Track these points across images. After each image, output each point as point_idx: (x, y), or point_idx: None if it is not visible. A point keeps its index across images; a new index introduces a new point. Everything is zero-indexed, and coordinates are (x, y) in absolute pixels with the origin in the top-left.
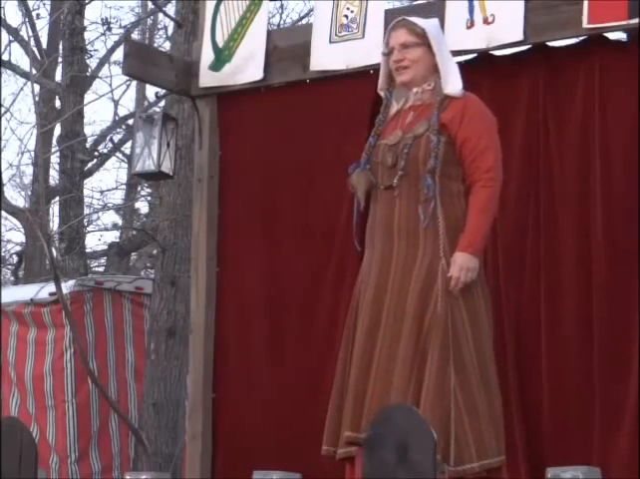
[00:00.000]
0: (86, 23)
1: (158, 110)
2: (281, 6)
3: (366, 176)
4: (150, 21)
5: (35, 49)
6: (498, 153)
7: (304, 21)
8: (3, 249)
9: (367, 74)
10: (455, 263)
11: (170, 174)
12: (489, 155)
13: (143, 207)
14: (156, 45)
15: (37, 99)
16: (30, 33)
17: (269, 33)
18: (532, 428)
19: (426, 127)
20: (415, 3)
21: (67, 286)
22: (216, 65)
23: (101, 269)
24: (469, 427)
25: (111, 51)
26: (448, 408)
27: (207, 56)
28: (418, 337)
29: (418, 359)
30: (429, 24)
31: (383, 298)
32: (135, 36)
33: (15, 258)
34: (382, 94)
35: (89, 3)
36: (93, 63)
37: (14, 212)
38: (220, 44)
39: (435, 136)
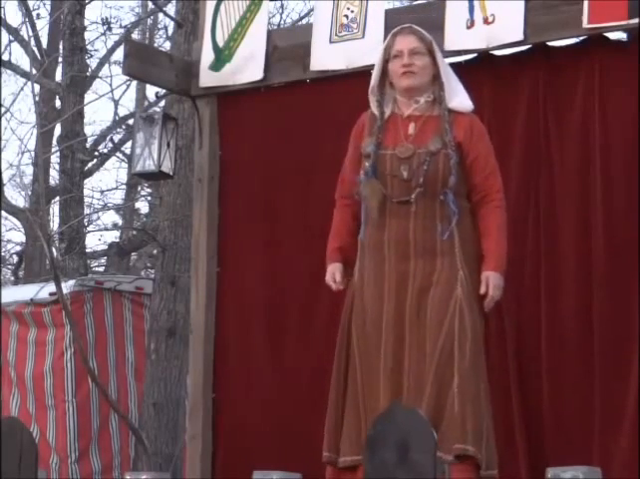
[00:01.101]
0: (86, 23)
1: (158, 110)
2: (281, 6)
3: (378, 185)
4: (150, 21)
5: (35, 49)
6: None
7: (304, 21)
8: (3, 249)
9: (367, 74)
10: (489, 283)
11: (171, 174)
12: (498, 175)
13: (143, 207)
14: (156, 45)
15: (37, 99)
16: (30, 33)
17: (269, 33)
18: (533, 428)
19: (440, 144)
20: (415, 3)
21: (67, 286)
22: (216, 65)
23: (101, 269)
24: (492, 433)
25: (111, 51)
26: (481, 415)
27: (207, 56)
28: (442, 349)
29: (440, 372)
30: (432, 39)
31: (403, 316)
32: (135, 36)
33: (15, 258)
34: (373, 100)
35: (89, 3)
36: (93, 63)
37: (14, 212)
38: (220, 44)
39: (453, 152)
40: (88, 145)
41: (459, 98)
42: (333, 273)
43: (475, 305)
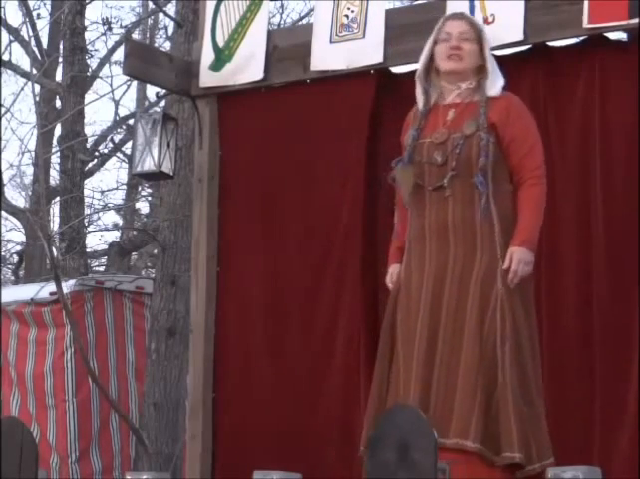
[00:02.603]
0: (86, 23)
1: (158, 110)
2: (281, 6)
3: (411, 171)
4: (150, 21)
5: (35, 49)
6: (542, 149)
7: (304, 21)
8: (3, 249)
9: (367, 74)
10: (513, 258)
11: (171, 174)
12: (537, 152)
13: (143, 206)
14: (156, 45)
15: (37, 99)
16: (30, 33)
17: (270, 33)
18: None
19: (474, 126)
20: (415, 3)
21: (67, 286)
22: (217, 65)
23: (101, 269)
24: (529, 428)
25: (111, 51)
26: (523, 414)
27: (208, 56)
28: (480, 345)
29: (482, 367)
30: (484, 27)
31: (440, 306)
32: (135, 36)
33: (15, 258)
34: (419, 86)
35: (89, 3)
36: (93, 63)
37: (14, 212)
38: (221, 44)
39: (485, 134)
40: (88, 145)
41: (496, 84)
42: (391, 274)
43: (517, 298)
